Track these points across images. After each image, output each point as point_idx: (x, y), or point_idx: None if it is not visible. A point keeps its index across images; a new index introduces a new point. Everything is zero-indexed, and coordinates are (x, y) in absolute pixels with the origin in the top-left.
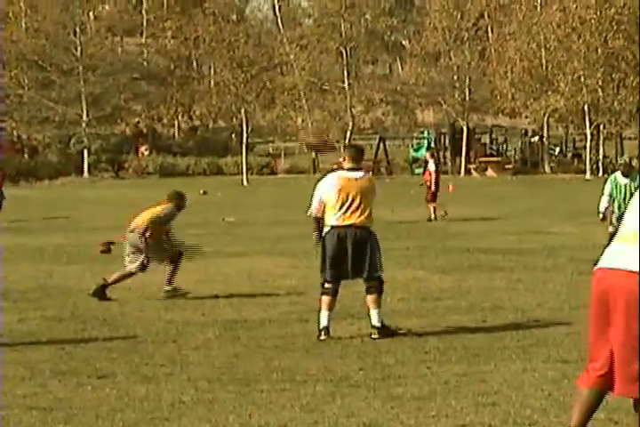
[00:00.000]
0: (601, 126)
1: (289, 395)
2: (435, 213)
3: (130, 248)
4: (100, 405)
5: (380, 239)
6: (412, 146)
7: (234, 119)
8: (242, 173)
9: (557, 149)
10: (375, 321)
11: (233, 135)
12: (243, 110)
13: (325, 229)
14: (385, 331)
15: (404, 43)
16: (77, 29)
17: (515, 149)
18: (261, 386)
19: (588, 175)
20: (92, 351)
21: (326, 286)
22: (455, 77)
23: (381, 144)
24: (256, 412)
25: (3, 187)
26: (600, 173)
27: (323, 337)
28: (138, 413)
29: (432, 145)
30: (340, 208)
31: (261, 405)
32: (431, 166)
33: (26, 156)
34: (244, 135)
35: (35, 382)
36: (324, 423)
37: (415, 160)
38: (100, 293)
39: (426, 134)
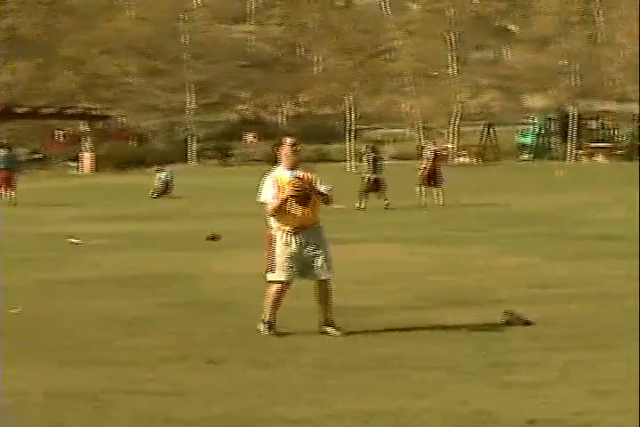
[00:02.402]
0: None
1: (399, 382)
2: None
3: None
4: (211, 389)
5: (492, 226)
6: (520, 132)
7: (340, 106)
8: (347, 159)
9: None
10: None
11: (339, 122)
12: (349, 97)
13: None
14: None
15: (511, 28)
16: (183, 17)
17: (625, 134)
18: (371, 372)
19: None
20: (205, 337)
21: None
22: (564, 63)
23: (489, 130)
24: (365, 398)
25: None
26: None
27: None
28: (250, 397)
29: (540, 131)
30: None
31: (371, 391)
32: (428, 153)
33: (133, 143)
34: (350, 122)
35: (147, 367)
36: (436, 411)
37: (523, 146)
38: None
39: (534, 120)
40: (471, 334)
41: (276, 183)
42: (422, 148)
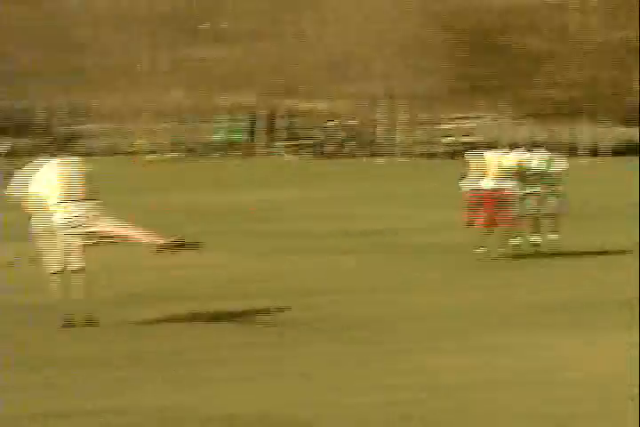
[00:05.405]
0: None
1: (99, 379)
2: None
3: None
4: None
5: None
6: (214, 129)
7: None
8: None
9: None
10: None
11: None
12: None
13: None
14: None
15: (205, 26)
16: None
17: (316, 133)
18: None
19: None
20: None
21: None
22: (262, 61)
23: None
24: (61, 398)
25: None
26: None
27: None
28: None
29: (234, 129)
30: None
31: (71, 390)
32: None
33: None
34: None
35: None
36: (137, 408)
37: (216, 143)
38: None
39: (228, 118)
40: (166, 331)
41: None
42: None
